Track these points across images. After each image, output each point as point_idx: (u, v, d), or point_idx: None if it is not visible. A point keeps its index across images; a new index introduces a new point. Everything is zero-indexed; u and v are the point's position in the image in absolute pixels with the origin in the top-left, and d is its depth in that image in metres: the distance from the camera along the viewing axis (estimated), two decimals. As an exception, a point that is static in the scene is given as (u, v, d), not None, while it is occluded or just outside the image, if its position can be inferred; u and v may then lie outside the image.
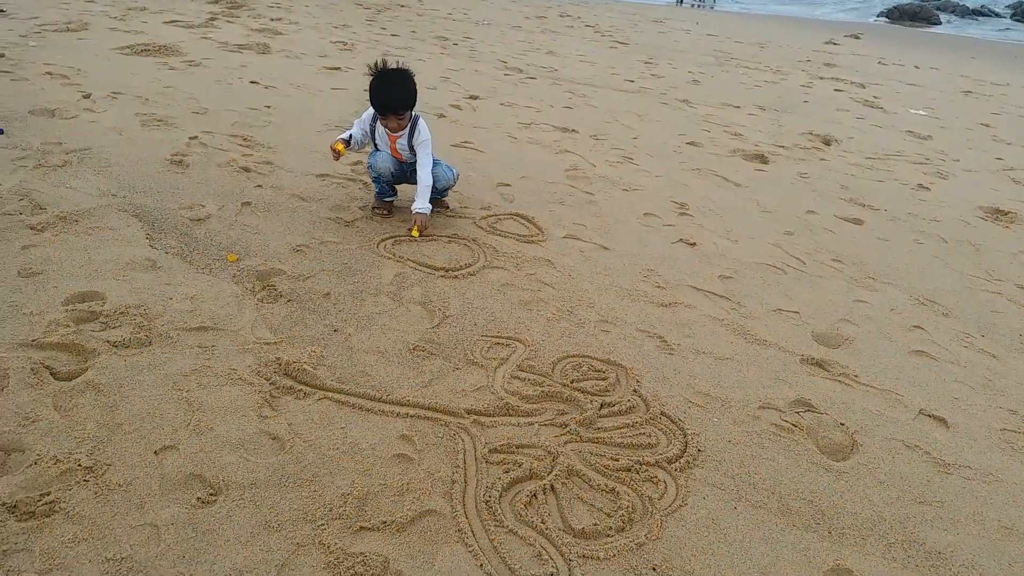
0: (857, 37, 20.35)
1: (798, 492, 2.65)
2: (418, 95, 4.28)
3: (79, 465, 2.29)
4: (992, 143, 9.15)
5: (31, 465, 2.27)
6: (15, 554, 1.98)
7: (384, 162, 4.35)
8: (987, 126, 10.12)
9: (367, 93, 4.24)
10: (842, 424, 3.07)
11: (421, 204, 4.29)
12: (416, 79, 4.22)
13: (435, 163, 4.41)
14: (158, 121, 5.65)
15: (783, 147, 7.70)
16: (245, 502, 2.27)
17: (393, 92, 4.16)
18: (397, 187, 4.65)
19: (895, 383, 3.47)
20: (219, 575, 2.02)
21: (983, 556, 2.48)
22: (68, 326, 2.96)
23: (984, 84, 13.95)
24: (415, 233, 4.26)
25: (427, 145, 4.38)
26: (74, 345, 2.85)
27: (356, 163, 5.36)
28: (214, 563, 2.05)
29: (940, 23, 27.50)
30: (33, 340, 2.84)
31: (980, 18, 29.85)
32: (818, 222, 5.56)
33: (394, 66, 4.22)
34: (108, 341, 2.90)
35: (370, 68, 4.23)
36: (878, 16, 28.64)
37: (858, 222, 5.69)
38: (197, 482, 2.32)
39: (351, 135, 4.42)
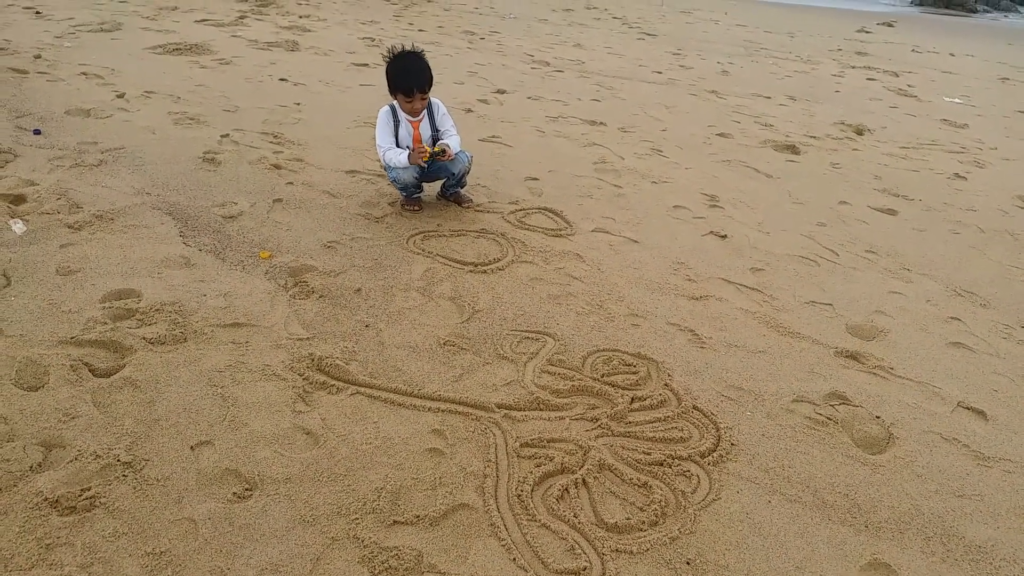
0: (890, 25, 20.03)
1: (833, 486, 2.62)
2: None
3: (118, 460, 2.33)
4: (1030, 130, 8.96)
5: (72, 460, 2.31)
6: (58, 548, 2.02)
7: (406, 173, 4.36)
8: (1025, 113, 9.91)
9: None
10: (878, 417, 3.03)
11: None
12: (442, 73, 4.24)
13: None
14: (190, 119, 5.72)
15: (815, 137, 7.60)
16: (280, 497, 2.30)
17: (416, 71, 4.19)
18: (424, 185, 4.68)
19: (932, 375, 3.41)
20: (255, 569, 2.04)
21: (1025, 551, 2.43)
22: (105, 323, 3.01)
23: (1021, 71, 13.65)
24: (425, 156, 4.25)
25: (448, 117, 4.50)
26: (111, 342, 2.90)
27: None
28: (251, 557, 2.08)
29: (976, 11, 26.92)
30: (72, 337, 2.89)
31: (1022, 8, 29.03)
32: (851, 213, 5.49)
33: (408, 48, 4.26)
34: (144, 338, 2.95)
35: (384, 56, 4.25)
36: (912, 4, 28.09)
37: (892, 213, 5.61)
38: (233, 477, 2.35)
39: (391, 143, 4.39)
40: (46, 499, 2.15)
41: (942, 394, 3.27)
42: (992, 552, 2.41)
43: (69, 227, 3.77)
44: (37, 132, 5.06)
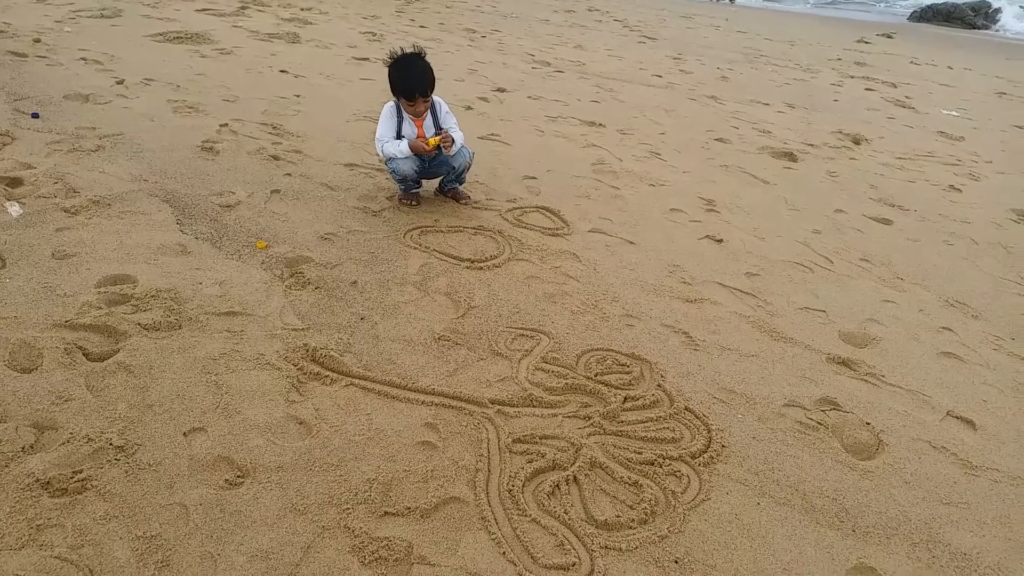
0: (890, 36, 20.08)
1: (822, 490, 2.64)
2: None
3: (111, 444, 2.33)
4: (1026, 145, 9.01)
5: (64, 443, 2.31)
6: (48, 529, 2.02)
7: (406, 165, 4.36)
8: (1021, 128, 9.95)
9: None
10: (868, 423, 3.05)
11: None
12: (442, 69, 4.24)
13: None
14: (189, 108, 5.72)
15: (812, 145, 7.63)
16: (272, 485, 2.30)
17: (417, 75, 4.17)
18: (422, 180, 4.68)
19: (922, 384, 3.43)
20: (246, 555, 2.05)
21: (1010, 559, 2.45)
22: (100, 308, 3.00)
23: (1019, 85, 13.72)
24: (433, 141, 4.27)
25: (451, 115, 4.50)
26: (106, 327, 2.90)
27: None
28: (241, 544, 2.08)
29: (976, 26, 26.98)
30: (66, 321, 2.89)
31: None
32: (846, 221, 5.51)
33: (410, 50, 4.25)
34: (139, 324, 2.95)
35: (386, 60, 4.25)
36: (911, 18, 28.11)
37: (887, 222, 5.63)
38: (225, 464, 2.35)
39: (391, 137, 4.39)
40: (37, 480, 2.15)
41: (932, 403, 3.29)
42: (977, 560, 2.43)
43: (65, 211, 3.76)
44: (35, 116, 5.04)
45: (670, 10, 20.53)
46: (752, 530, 2.42)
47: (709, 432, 2.84)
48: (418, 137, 4.35)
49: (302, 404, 2.68)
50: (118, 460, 2.29)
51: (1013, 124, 10.14)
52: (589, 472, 2.54)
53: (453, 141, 4.32)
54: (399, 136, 4.37)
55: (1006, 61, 17.45)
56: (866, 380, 3.39)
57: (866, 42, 18.15)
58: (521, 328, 3.40)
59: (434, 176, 4.64)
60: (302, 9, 11.27)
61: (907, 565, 2.37)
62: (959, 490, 2.76)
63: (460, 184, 4.75)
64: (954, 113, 10.41)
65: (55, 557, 1.94)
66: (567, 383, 3.01)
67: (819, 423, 3.01)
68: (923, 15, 27.69)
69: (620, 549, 2.25)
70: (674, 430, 2.82)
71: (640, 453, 2.66)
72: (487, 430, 2.68)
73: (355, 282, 3.57)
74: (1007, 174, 7.56)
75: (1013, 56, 18.70)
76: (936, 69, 14.73)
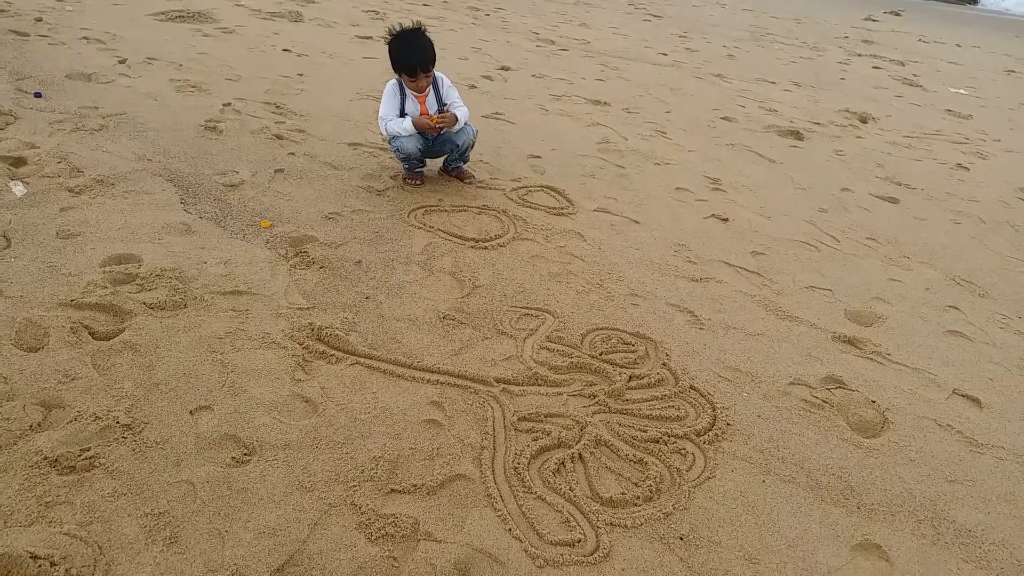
0: (897, 14, 19.90)
1: (827, 467, 2.64)
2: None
3: (117, 422, 2.34)
4: (1034, 123, 8.94)
5: (71, 421, 2.32)
6: (57, 506, 2.03)
7: (410, 143, 4.34)
8: (1029, 106, 9.88)
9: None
10: (873, 402, 3.05)
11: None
12: (446, 48, 4.21)
13: None
14: (192, 87, 5.69)
15: (819, 124, 7.58)
16: (278, 462, 2.31)
17: (419, 50, 4.15)
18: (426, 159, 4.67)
19: (928, 362, 3.43)
20: (253, 532, 2.06)
21: (1015, 535, 2.45)
22: (105, 287, 3.00)
23: (1027, 63, 13.60)
24: (437, 119, 4.26)
25: (453, 89, 4.47)
26: (111, 306, 2.90)
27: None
28: (248, 521, 2.09)
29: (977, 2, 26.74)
30: (72, 300, 2.89)
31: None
32: (853, 200, 5.48)
33: (409, 26, 4.22)
34: (144, 303, 2.95)
35: (386, 37, 4.22)
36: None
37: (894, 201, 5.60)
38: (231, 442, 2.36)
39: (395, 115, 4.37)
40: (46, 458, 2.16)
41: (938, 381, 3.29)
42: (982, 536, 2.44)
43: (69, 191, 3.76)
44: (38, 95, 5.02)
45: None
46: (757, 507, 2.42)
47: (714, 410, 2.84)
48: (422, 114, 4.33)
49: (308, 383, 2.68)
50: (125, 438, 2.30)
51: (1021, 102, 10.06)
52: (594, 450, 2.55)
53: (456, 119, 4.30)
54: (402, 114, 4.35)
55: (1015, 39, 17.29)
56: (872, 358, 3.38)
57: (873, 20, 18.00)
58: (526, 307, 3.39)
59: (438, 154, 4.62)
60: (304, -13, 11.18)
61: (912, 542, 2.37)
62: (964, 467, 2.76)
63: (464, 163, 4.73)
64: (962, 91, 10.33)
65: (64, 534, 1.96)
66: (572, 362, 3.01)
67: (824, 401, 3.00)
68: (931, -8, 27.42)
69: (625, 526, 2.26)
70: (679, 408, 2.82)
71: (645, 431, 2.66)
72: (492, 408, 2.68)
73: (360, 261, 3.57)
74: (1015, 152, 7.51)
75: (1022, 34, 18.52)
76: (944, 47, 14.60)
